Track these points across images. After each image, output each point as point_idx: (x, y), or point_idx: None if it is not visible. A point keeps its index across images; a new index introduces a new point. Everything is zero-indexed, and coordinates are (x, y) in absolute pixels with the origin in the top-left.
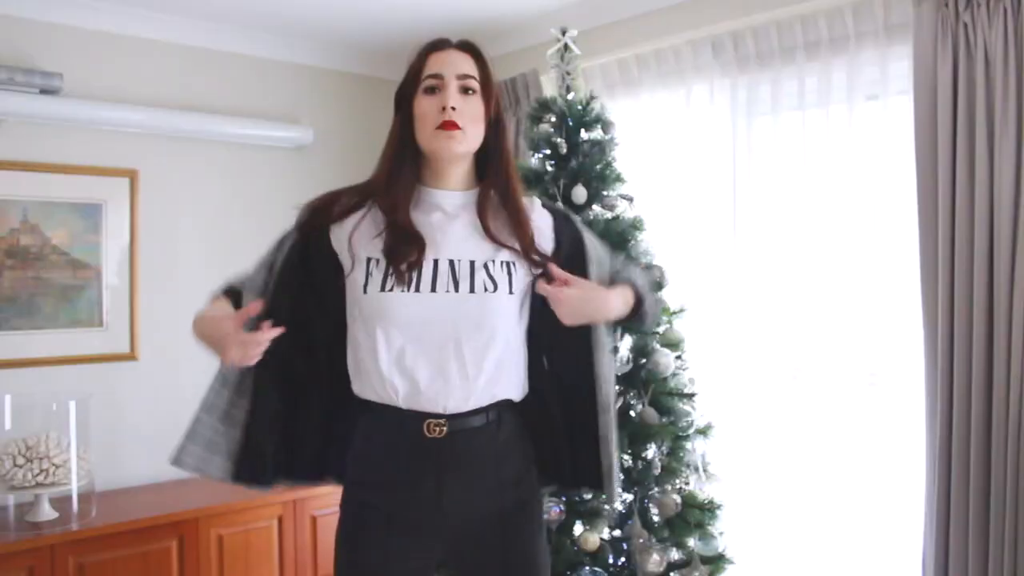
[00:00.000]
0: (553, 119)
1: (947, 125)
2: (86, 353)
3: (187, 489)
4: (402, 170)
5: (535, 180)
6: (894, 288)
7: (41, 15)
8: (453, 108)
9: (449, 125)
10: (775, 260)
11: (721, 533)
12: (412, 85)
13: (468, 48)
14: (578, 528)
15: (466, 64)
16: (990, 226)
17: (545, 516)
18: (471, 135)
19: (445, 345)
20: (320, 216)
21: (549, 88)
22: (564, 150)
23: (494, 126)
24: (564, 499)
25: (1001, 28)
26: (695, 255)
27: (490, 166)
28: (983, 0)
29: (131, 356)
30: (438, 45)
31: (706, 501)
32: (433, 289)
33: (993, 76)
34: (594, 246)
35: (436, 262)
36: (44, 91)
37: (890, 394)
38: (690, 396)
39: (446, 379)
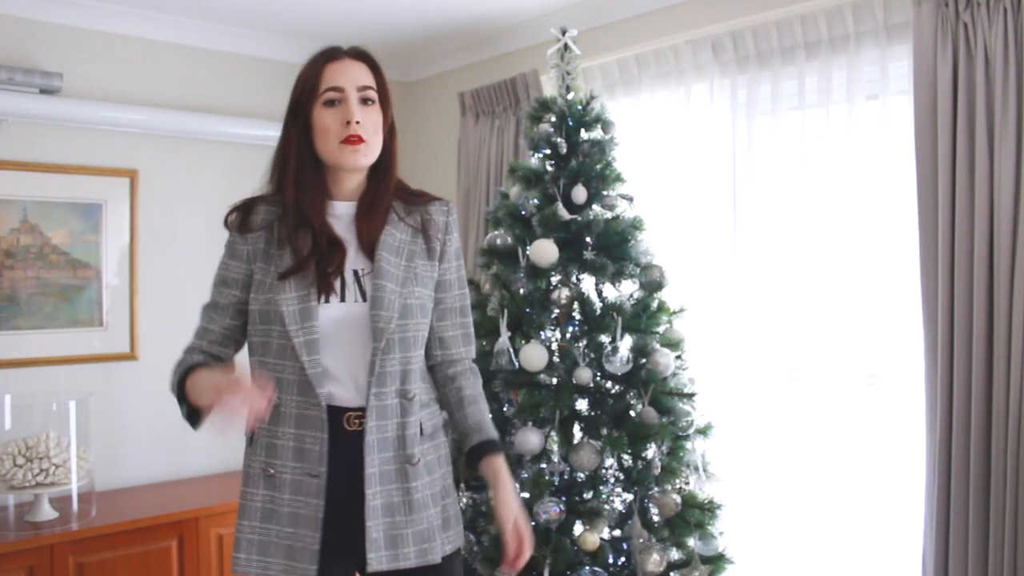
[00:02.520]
0: (553, 119)
1: (947, 125)
2: (86, 353)
3: (187, 489)
4: (309, 182)
5: (535, 180)
6: (894, 287)
7: (41, 15)
8: (358, 122)
9: (354, 140)
10: (775, 260)
11: (721, 533)
12: (310, 96)
13: (363, 57)
14: (578, 528)
15: (364, 75)
16: (990, 226)
17: (545, 516)
18: (373, 146)
19: (359, 351)
20: (245, 221)
21: (549, 88)
22: (564, 150)
23: (388, 132)
24: (564, 499)
25: (1001, 28)
26: (695, 255)
27: (379, 171)
28: (983, 0)
29: (131, 356)
30: (333, 55)
31: (706, 501)
32: (343, 299)
33: (993, 76)
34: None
35: (342, 274)
36: (44, 91)
37: (890, 394)
38: (690, 396)
39: (359, 379)
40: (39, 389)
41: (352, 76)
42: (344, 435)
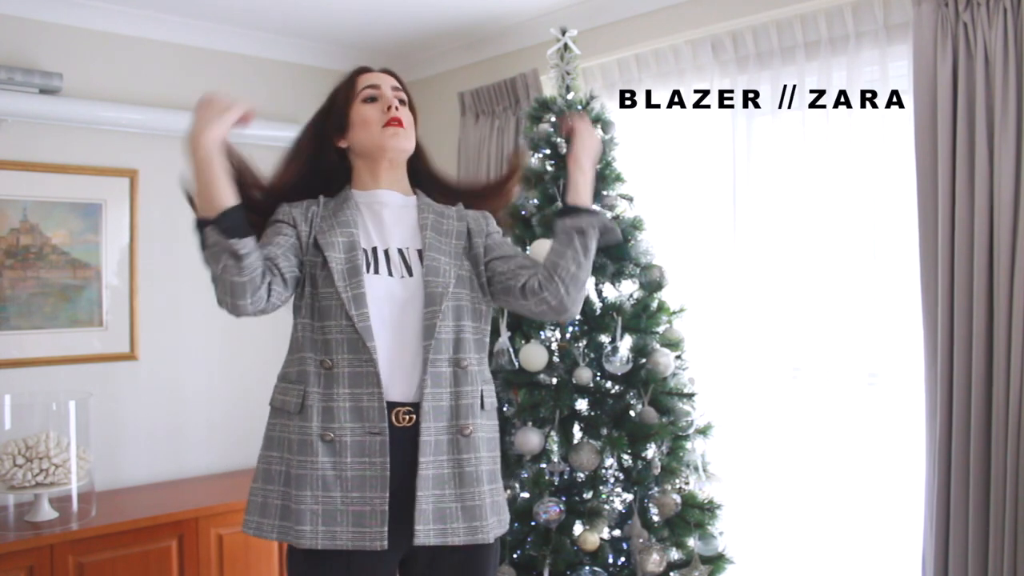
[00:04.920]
0: (553, 119)
1: (947, 125)
2: (86, 353)
3: (187, 489)
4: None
5: (535, 180)
6: (894, 287)
7: (41, 15)
8: (397, 107)
9: (396, 122)
10: (775, 259)
11: (721, 533)
12: (347, 99)
13: (391, 74)
14: (578, 528)
15: (394, 82)
16: (990, 226)
17: (545, 516)
18: (412, 135)
19: (408, 331)
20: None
21: (549, 88)
22: (564, 150)
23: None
24: (564, 499)
25: (1001, 28)
26: (695, 255)
27: (420, 172)
28: (983, 0)
29: (131, 356)
30: (364, 69)
31: (706, 501)
32: (390, 274)
33: (993, 76)
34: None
35: (387, 251)
36: (44, 91)
37: (890, 393)
38: (690, 396)
39: (407, 369)
40: (39, 389)
41: (384, 79)
42: (394, 431)
